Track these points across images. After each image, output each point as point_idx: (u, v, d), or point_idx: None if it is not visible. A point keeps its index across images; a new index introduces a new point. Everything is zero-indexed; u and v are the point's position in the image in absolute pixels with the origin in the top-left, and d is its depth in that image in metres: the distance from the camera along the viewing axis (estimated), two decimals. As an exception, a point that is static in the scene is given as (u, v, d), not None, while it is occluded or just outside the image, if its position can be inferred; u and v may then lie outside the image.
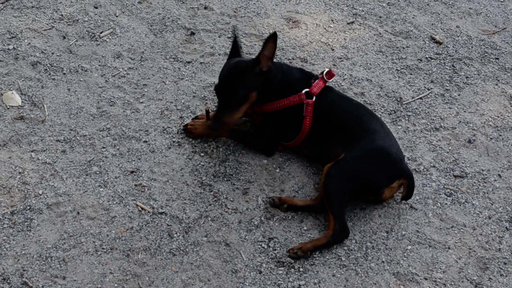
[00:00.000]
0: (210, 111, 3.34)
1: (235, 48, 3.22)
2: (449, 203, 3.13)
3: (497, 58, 3.99)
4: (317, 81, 3.16)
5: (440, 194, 3.15)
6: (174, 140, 3.32)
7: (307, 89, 3.13)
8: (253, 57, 3.15)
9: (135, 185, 3.11)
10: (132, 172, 3.16)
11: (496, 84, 3.81)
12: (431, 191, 3.16)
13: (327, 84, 3.18)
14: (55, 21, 3.94)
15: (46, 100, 3.46)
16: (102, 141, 3.29)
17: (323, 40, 3.97)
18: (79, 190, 3.06)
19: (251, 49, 3.85)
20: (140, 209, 3.01)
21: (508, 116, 3.60)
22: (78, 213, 2.97)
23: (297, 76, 3.21)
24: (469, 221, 3.05)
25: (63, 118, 3.38)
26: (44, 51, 3.73)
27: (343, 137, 3.06)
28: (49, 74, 3.60)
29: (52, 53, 3.72)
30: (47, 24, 3.92)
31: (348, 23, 4.14)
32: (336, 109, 3.14)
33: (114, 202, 3.03)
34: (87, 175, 3.14)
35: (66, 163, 3.18)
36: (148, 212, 2.99)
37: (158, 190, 3.09)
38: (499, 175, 3.28)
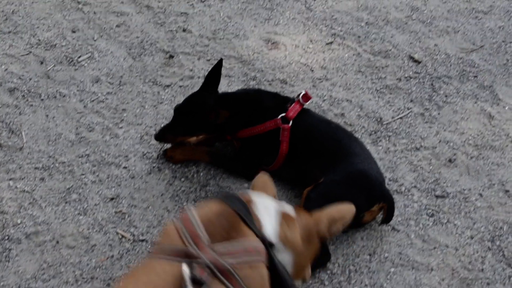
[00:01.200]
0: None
1: (214, 76, 3.15)
2: (431, 223, 3.12)
3: (476, 76, 4.01)
4: (293, 105, 3.15)
5: (422, 215, 3.15)
6: (154, 165, 3.29)
7: (283, 114, 3.12)
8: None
9: (115, 212, 3.07)
10: (112, 199, 3.13)
11: (475, 102, 3.83)
12: (413, 212, 3.16)
13: (305, 107, 3.17)
14: (32, 46, 3.91)
15: (24, 127, 3.42)
16: (81, 168, 3.25)
17: (302, 61, 3.97)
18: (58, 219, 3.02)
19: (230, 71, 3.84)
20: (120, 236, 2.97)
21: (487, 134, 3.62)
22: (57, 242, 2.93)
23: (272, 101, 3.20)
24: (452, 242, 3.05)
25: (41, 145, 3.34)
26: (21, 77, 3.70)
27: (323, 160, 3.05)
28: (27, 101, 3.57)
29: (30, 79, 3.69)
30: (25, 49, 3.89)
31: (327, 43, 4.15)
32: (314, 133, 3.13)
33: (94, 230, 2.99)
34: (66, 203, 3.10)
35: (45, 191, 3.14)
36: (129, 239, 2.96)
37: (138, 216, 3.06)
38: (480, 194, 3.28)
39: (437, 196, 3.25)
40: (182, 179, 3.23)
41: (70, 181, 3.19)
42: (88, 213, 3.06)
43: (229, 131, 3.24)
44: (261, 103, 3.19)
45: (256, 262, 1.97)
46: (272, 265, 2.04)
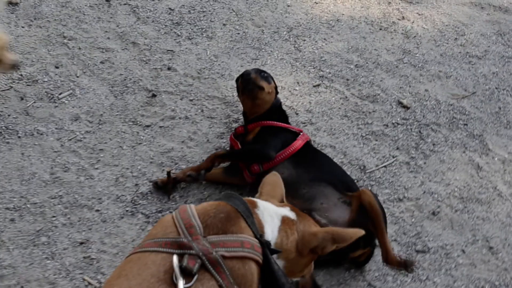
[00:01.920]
0: (171, 173, 3.25)
1: None
2: (409, 280, 3.01)
3: (466, 124, 3.92)
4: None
5: (400, 271, 3.03)
6: (127, 209, 3.20)
7: None
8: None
9: (84, 257, 2.98)
10: (81, 243, 3.04)
11: (464, 152, 3.72)
12: (391, 267, 3.04)
13: None
14: (14, 81, 3.85)
15: (-2, 165, 3.35)
16: (53, 210, 3.17)
17: (288, 104, 3.89)
18: (25, 262, 2.93)
19: (212, 112, 3.76)
20: (87, 283, 2.88)
21: (474, 186, 3.51)
22: (22, 287, 2.84)
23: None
24: (430, 301, 2.94)
25: (14, 184, 3.26)
26: (0, 113, 3.63)
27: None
28: (4, 138, 3.50)
29: (9, 115, 3.63)
30: (6, 84, 3.83)
31: (314, 86, 4.07)
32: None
33: (60, 276, 2.90)
34: (34, 245, 3.01)
35: (14, 232, 3.05)
36: (95, 287, 2.86)
37: (107, 263, 2.96)
38: (463, 250, 3.17)
39: (417, 251, 3.15)
40: (155, 224, 3.13)
41: (41, 223, 3.10)
42: (56, 258, 2.97)
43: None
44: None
45: (249, 257, 1.96)
46: (267, 265, 2.03)
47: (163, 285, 1.80)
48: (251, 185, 3.24)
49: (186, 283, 1.80)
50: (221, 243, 1.92)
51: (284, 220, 2.19)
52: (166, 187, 3.26)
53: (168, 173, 3.22)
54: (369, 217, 2.85)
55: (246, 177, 3.24)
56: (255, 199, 2.23)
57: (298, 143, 3.21)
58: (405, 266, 2.89)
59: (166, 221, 2.03)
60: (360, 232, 2.28)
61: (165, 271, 1.83)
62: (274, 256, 2.10)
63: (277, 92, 3.51)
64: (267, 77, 3.44)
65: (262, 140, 3.25)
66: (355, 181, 3.41)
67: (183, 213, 2.01)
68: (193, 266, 1.83)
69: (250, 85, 3.33)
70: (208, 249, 1.88)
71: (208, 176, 3.32)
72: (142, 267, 1.86)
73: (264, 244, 2.04)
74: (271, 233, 2.13)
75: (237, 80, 3.53)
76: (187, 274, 1.82)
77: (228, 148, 3.50)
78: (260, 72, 3.43)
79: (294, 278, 2.40)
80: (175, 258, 1.82)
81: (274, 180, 2.41)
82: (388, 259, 2.89)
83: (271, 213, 2.18)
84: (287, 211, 2.25)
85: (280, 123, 3.34)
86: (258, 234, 2.05)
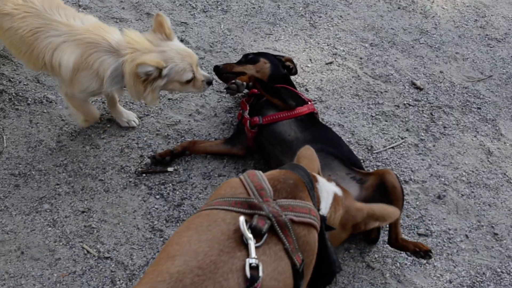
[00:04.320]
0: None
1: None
2: (409, 263, 2.98)
3: (479, 108, 3.84)
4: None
5: (400, 253, 3.00)
6: (130, 180, 3.21)
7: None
8: None
9: (85, 226, 3.00)
10: (83, 212, 3.06)
11: (475, 136, 3.65)
12: (391, 249, 3.01)
13: None
14: (26, 48, 3.86)
15: (6, 131, 3.37)
16: (57, 177, 3.19)
17: (299, 81, 3.84)
18: (26, 228, 2.97)
19: (221, 86, 3.74)
20: (86, 252, 2.90)
21: (483, 172, 3.45)
22: (22, 252, 2.88)
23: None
24: (428, 284, 2.90)
25: (21, 151, 3.29)
26: (11, 79, 3.65)
27: None
28: (13, 104, 3.51)
29: (20, 82, 3.64)
30: (18, 50, 3.84)
31: (326, 63, 4.01)
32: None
33: (61, 243, 2.93)
34: (37, 212, 3.04)
35: (18, 198, 3.08)
36: (94, 256, 2.88)
37: (107, 232, 2.98)
38: (466, 235, 3.13)
39: (419, 234, 3.11)
40: (157, 196, 3.14)
41: (44, 191, 3.13)
42: (57, 225, 2.99)
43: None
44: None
45: (314, 225, 1.99)
46: (322, 240, 2.07)
47: (233, 243, 1.82)
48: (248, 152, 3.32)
49: (255, 243, 1.82)
50: (290, 207, 1.95)
51: (335, 197, 2.24)
52: (164, 160, 3.27)
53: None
54: (388, 197, 2.81)
55: (247, 131, 3.24)
56: (315, 173, 2.26)
57: (304, 109, 3.21)
58: (419, 252, 2.83)
59: (235, 182, 2.06)
60: (398, 212, 2.40)
61: (236, 230, 1.85)
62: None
63: (286, 68, 3.52)
64: (251, 59, 3.52)
65: (276, 94, 3.27)
66: (362, 161, 3.38)
67: (253, 177, 2.04)
68: (262, 226, 1.84)
69: (225, 76, 3.52)
70: (278, 212, 1.90)
71: (209, 149, 3.32)
72: (212, 224, 1.88)
73: (322, 219, 2.08)
74: (324, 208, 2.17)
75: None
76: (256, 234, 1.84)
77: (235, 123, 3.49)
78: (247, 56, 3.57)
79: None
80: (241, 218, 1.83)
81: (309, 154, 2.44)
82: (398, 241, 2.85)
83: (327, 189, 2.22)
84: (335, 187, 2.30)
85: (291, 87, 3.38)
86: (317, 208, 2.09)
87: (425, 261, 2.96)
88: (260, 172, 2.07)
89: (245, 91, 3.40)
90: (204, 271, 1.73)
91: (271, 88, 3.27)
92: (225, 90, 3.37)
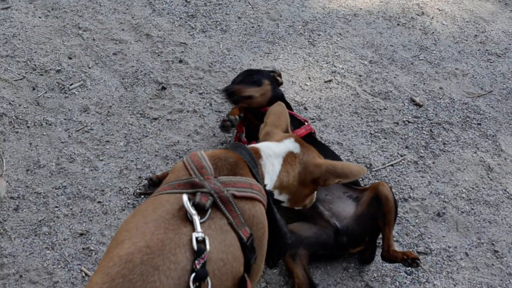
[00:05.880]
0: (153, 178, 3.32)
1: None
2: (408, 282, 2.95)
3: (479, 124, 3.82)
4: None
5: (399, 272, 2.98)
6: (129, 201, 3.22)
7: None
8: None
9: (83, 248, 3.00)
10: (81, 234, 3.06)
11: (475, 152, 3.64)
12: (390, 268, 2.99)
13: None
14: (27, 71, 3.90)
15: (6, 154, 3.39)
16: (56, 200, 3.20)
17: (297, 99, 3.85)
18: (25, 252, 2.97)
19: (221, 106, 3.74)
20: (84, 274, 2.90)
21: (483, 188, 3.42)
22: (21, 276, 2.88)
23: None
24: (428, 304, 2.88)
25: (20, 174, 3.30)
26: (11, 102, 3.68)
27: None
28: (13, 127, 3.54)
29: (19, 105, 3.67)
30: (19, 74, 3.87)
31: (325, 81, 4.01)
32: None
33: (59, 266, 2.93)
34: (36, 235, 3.04)
35: (17, 222, 3.09)
36: (92, 279, 2.88)
37: (105, 255, 2.98)
38: (466, 253, 3.10)
39: (419, 253, 3.08)
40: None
41: (43, 213, 3.13)
42: (56, 248, 2.99)
43: None
44: None
45: (258, 199, 2.04)
46: (271, 214, 2.12)
47: (178, 220, 1.86)
48: None
49: (200, 218, 1.86)
50: (231, 183, 1.99)
51: (286, 159, 2.30)
52: (161, 182, 3.26)
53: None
54: (381, 210, 2.82)
55: None
56: (258, 147, 2.31)
57: (301, 131, 3.20)
58: (407, 259, 2.82)
59: (178, 166, 2.12)
60: (364, 170, 2.39)
61: (179, 208, 1.89)
62: (276, 191, 2.28)
63: (278, 84, 3.50)
64: (257, 81, 3.43)
65: None
66: (360, 179, 3.37)
67: (194, 157, 2.09)
68: (205, 202, 1.89)
69: (236, 98, 3.41)
70: (219, 188, 1.95)
71: None
72: (158, 206, 1.93)
73: (268, 193, 2.13)
74: (270, 182, 2.23)
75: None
76: (200, 210, 1.88)
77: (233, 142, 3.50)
78: (249, 76, 3.47)
79: (297, 207, 2.55)
80: (184, 196, 1.88)
81: (279, 110, 2.48)
82: (389, 252, 2.84)
83: (273, 161, 2.27)
84: (290, 144, 2.37)
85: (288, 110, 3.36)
86: (262, 184, 2.15)
87: (414, 269, 2.96)
88: (202, 151, 2.13)
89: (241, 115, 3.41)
90: (152, 249, 1.77)
91: (263, 116, 3.27)
92: (220, 124, 3.36)
